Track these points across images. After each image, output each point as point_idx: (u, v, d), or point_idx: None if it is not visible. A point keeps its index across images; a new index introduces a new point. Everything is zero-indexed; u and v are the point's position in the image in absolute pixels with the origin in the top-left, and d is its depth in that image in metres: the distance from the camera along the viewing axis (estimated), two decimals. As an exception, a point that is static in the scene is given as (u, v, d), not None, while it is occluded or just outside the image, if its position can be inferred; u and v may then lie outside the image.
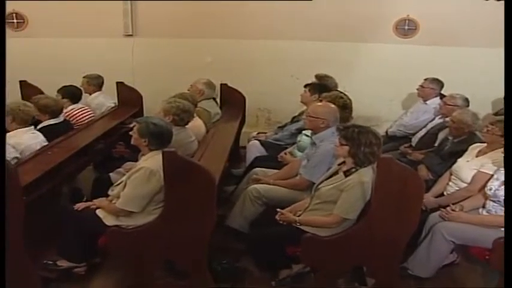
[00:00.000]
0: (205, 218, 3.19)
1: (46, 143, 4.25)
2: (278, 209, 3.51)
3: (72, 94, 5.40)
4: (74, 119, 5.25)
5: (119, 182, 3.57)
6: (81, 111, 5.41)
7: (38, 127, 4.50)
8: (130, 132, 3.63)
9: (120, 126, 5.50)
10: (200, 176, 3.08)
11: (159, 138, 3.48)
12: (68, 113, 5.10)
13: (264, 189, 3.95)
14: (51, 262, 3.60)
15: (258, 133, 5.86)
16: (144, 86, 6.42)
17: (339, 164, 3.51)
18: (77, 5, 6.82)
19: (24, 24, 7.07)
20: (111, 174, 4.27)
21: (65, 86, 5.44)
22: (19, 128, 4.12)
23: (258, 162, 4.76)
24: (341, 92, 4.92)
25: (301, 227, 3.37)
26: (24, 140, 4.07)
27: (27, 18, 7.04)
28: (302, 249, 3.29)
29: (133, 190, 3.35)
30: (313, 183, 3.68)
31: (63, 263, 3.57)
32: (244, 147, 5.73)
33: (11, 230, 3.25)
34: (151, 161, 3.39)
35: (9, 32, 6.95)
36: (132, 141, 3.62)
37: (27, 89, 6.02)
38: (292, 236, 3.34)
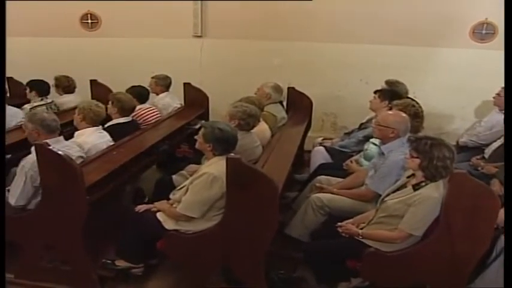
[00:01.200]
0: (265, 227, 3.16)
1: (112, 143, 4.31)
2: (340, 223, 3.40)
3: (139, 94, 5.49)
4: (140, 118, 5.33)
5: (181, 186, 3.58)
6: (148, 111, 5.49)
7: (106, 126, 4.59)
8: (196, 137, 3.63)
9: (186, 127, 5.55)
10: (263, 184, 3.06)
11: (224, 143, 3.46)
12: (135, 113, 5.17)
13: (327, 198, 3.84)
14: (109, 261, 3.67)
15: (324, 139, 5.71)
16: (211, 87, 6.46)
17: (407, 177, 3.34)
18: (148, 6, 6.95)
19: (98, 25, 7.27)
20: (173, 176, 4.29)
21: (133, 86, 5.55)
22: (88, 127, 4.19)
23: (322, 169, 4.64)
24: (413, 100, 4.73)
25: (364, 241, 3.25)
26: (91, 139, 4.13)
27: (100, 18, 7.24)
28: (363, 264, 3.19)
29: (195, 196, 3.34)
30: (379, 195, 3.54)
31: (121, 263, 3.63)
32: (309, 152, 5.62)
33: (72, 228, 3.35)
34: (215, 166, 3.37)
35: (83, 32, 7.21)
36: (197, 146, 3.62)
37: (97, 88, 6.21)
38: (353, 249, 3.24)
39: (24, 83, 5.96)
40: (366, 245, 3.22)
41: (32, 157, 3.33)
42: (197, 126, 5.61)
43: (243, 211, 3.14)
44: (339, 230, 3.35)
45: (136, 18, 7.09)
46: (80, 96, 6.14)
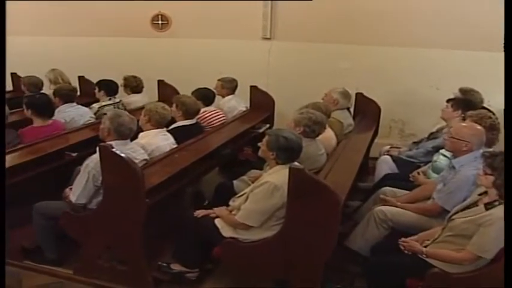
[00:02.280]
0: (325, 240, 3.09)
1: (175, 145, 4.35)
2: (403, 239, 3.25)
3: (205, 96, 5.53)
4: (205, 121, 5.35)
5: (241, 193, 3.56)
6: (213, 113, 5.51)
7: (170, 128, 4.64)
8: (259, 144, 3.59)
9: (250, 131, 5.53)
10: (326, 196, 2.99)
11: (287, 152, 3.40)
12: (199, 115, 5.18)
13: (390, 212, 3.69)
14: (165, 264, 3.70)
15: (391, 147, 5.52)
16: (277, 90, 6.44)
17: (479, 194, 3.14)
18: (218, 7, 7.01)
19: (168, 26, 7.40)
20: (234, 181, 4.28)
21: (199, 88, 5.59)
22: (153, 129, 4.25)
23: (388, 180, 4.48)
24: (489, 111, 4.45)
25: (428, 260, 3.09)
26: (155, 141, 4.19)
27: (171, 19, 7.36)
28: (425, 284, 3.01)
29: (255, 205, 3.31)
30: (446, 212, 3.36)
31: (177, 267, 3.66)
32: (374, 159, 5.47)
33: (131, 229, 3.40)
34: (277, 175, 3.32)
35: (153, 32, 7.36)
36: (260, 153, 3.59)
37: (164, 89, 6.33)
38: (415, 267, 3.08)
39: (95, 82, 6.17)
40: (429, 264, 3.05)
41: (96, 157, 3.41)
42: (261, 130, 5.60)
43: (303, 222, 3.08)
44: (402, 246, 3.21)
45: (206, 19, 7.19)
46: (147, 96, 6.30)
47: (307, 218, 3.05)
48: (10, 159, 3.96)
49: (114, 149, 3.29)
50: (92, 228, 3.60)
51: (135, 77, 6.29)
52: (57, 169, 4.27)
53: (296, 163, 3.43)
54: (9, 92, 7.21)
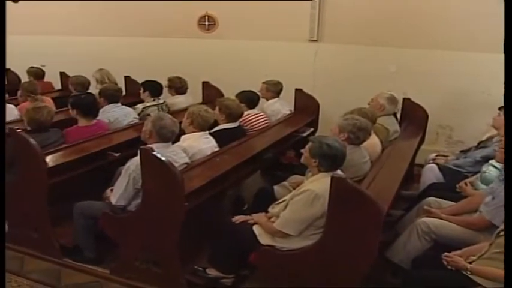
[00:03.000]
0: (365, 251, 3.03)
1: (217, 148, 4.35)
2: (446, 254, 3.13)
3: (249, 99, 5.51)
4: (248, 124, 5.33)
5: (281, 200, 3.53)
6: (256, 117, 5.48)
7: (212, 131, 4.63)
8: (302, 150, 3.54)
9: (294, 135, 5.49)
10: (368, 207, 2.93)
11: (330, 160, 3.34)
12: (243, 119, 5.16)
13: (434, 224, 3.57)
14: (201, 269, 3.71)
15: (438, 155, 5.37)
16: (323, 93, 6.38)
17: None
18: (265, 8, 7.00)
19: (215, 27, 7.43)
20: (275, 187, 4.24)
21: (243, 91, 5.58)
22: (195, 132, 4.26)
23: (433, 189, 4.35)
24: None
25: (472, 277, 2.97)
26: (197, 144, 4.19)
27: (217, 20, 7.39)
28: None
29: (294, 213, 3.27)
30: (495, 227, 3.23)
31: (213, 272, 3.66)
32: (420, 166, 5.34)
33: (169, 232, 3.44)
34: (318, 184, 3.27)
35: (200, 33, 7.41)
36: (302, 160, 3.54)
37: (209, 90, 6.38)
38: (458, 284, 2.97)
39: (141, 82, 6.26)
40: (473, 281, 2.95)
41: (137, 159, 3.45)
42: (305, 134, 5.56)
43: (343, 232, 3.03)
44: (445, 261, 3.10)
45: (252, 20, 7.19)
46: (192, 97, 6.34)
47: (348, 228, 3.00)
48: (54, 159, 4.08)
49: (155, 152, 3.32)
50: (130, 230, 3.66)
51: (179, 78, 6.33)
52: (99, 168, 4.35)
53: (339, 171, 3.39)
54: (58, 91, 7.45)
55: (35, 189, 3.99)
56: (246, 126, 5.27)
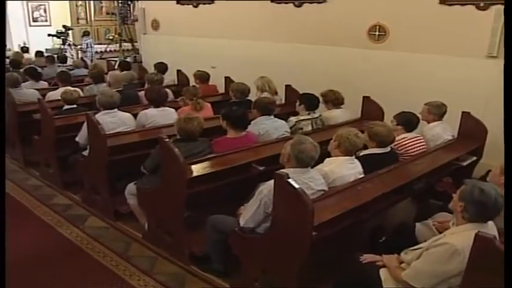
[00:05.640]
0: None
1: (362, 175, 4.15)
2: None
3: (408, 122, 5.14)
4: (402, 148, 4.99)
5: (416, 247, 3.24)
6: (413, 141, 5.09)
7: (360, 154, 4.45)
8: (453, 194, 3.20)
9: (453, 163, 5.05)
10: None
11: (478, 207, 2.93)
12: (397, 142, 4.88)
13: None
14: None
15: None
16: (494, 118, 5.71)
17: None
18: (441, 20, 6.53)
19: (385, 37, 7.11)
20: (417, 224, 3.92)
21: (403, 112, 5.24)
22: (341, 156, 4.12)
23: None
24: None
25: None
26: (340, 169, 4.03)
27: (389, 31, 7.06)
28: None
29: (427, 266, 2.98)
30: None
31: None
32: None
33: (292, 259, 3.42)
34: (460, 237, 2.92)
35: (368, 43, 7.16)
36: (450, 204, 3.21)
37: (369, 105, 6.28)
38: None
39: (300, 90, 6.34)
40: None
41: (271, 184, 3.43)
42: (466, 163, 5.10)
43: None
44: None
45: (425, 32, 6.72)
46: (350, 112, 6.18)
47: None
48: (199, 168, 4.29)
49: (289, 179, 3.26)
50: (255, 252, 3.70)
51: (333, 91, 6.21)
52: (241, 181, 4.45)
53: (490, 223, 3.02)
54: (221, 94, 7.88)
55: (175, 196, 4.24)
56: (400, 150, 4.94)
